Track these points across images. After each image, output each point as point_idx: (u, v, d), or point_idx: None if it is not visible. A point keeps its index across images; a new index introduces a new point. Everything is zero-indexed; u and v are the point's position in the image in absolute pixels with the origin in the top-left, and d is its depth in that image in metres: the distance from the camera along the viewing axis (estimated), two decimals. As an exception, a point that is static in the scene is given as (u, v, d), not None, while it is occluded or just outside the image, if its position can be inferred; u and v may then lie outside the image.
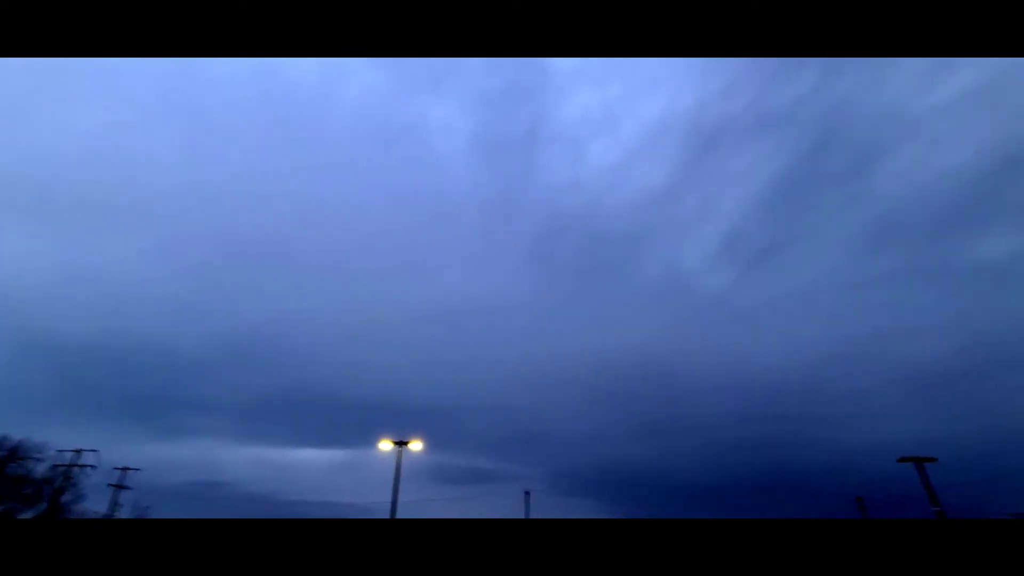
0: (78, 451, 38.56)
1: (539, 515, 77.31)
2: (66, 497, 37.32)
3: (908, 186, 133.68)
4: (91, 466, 38.68)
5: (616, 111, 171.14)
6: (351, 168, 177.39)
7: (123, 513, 38.71)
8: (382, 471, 29.98)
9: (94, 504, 38.16)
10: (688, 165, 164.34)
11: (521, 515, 43.37)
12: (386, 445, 28.83)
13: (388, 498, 27.29)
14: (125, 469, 40.35)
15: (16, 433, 36.25)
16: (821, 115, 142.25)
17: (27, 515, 35.18)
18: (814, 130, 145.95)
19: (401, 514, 26.37)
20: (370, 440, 29.85)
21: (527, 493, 47.10)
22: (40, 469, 36.79)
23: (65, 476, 37.47)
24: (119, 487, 39.57)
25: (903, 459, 27.66)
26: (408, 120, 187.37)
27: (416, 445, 28.95)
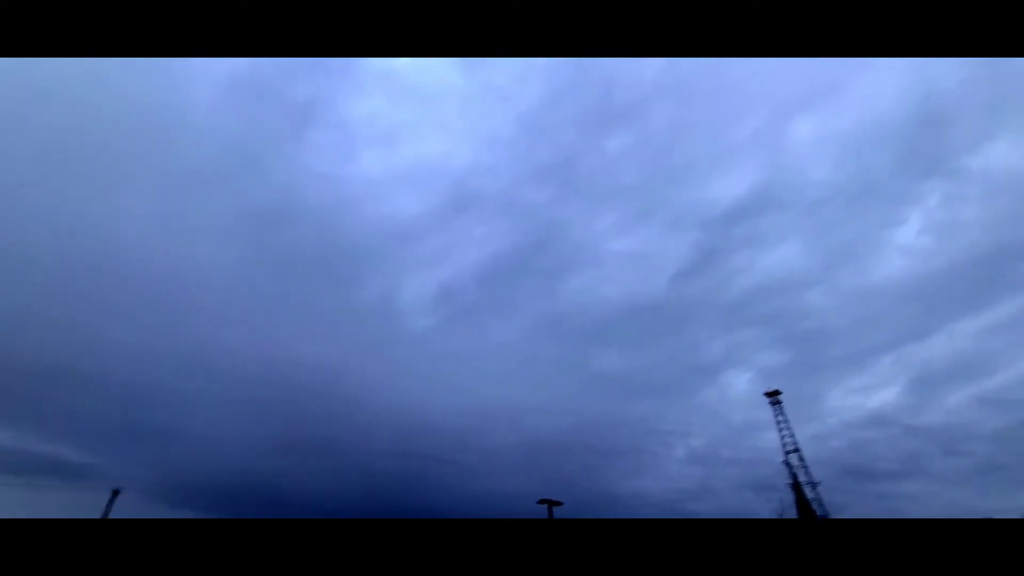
0: None
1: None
2: None
3: (578, 300, 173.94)
4: None
5: (401, 132, 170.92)
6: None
7: None
8: None
9: None
10: (439, 212, 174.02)
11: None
12: None
13: None
14: None
15: None
16: (548, 224, 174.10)
17: None
18: (538, 232, 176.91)
19: None
20: None
21: (115, 492, 35.88)
22: None
23: None
24: None
25: (541, 501, 31.68)
26: None
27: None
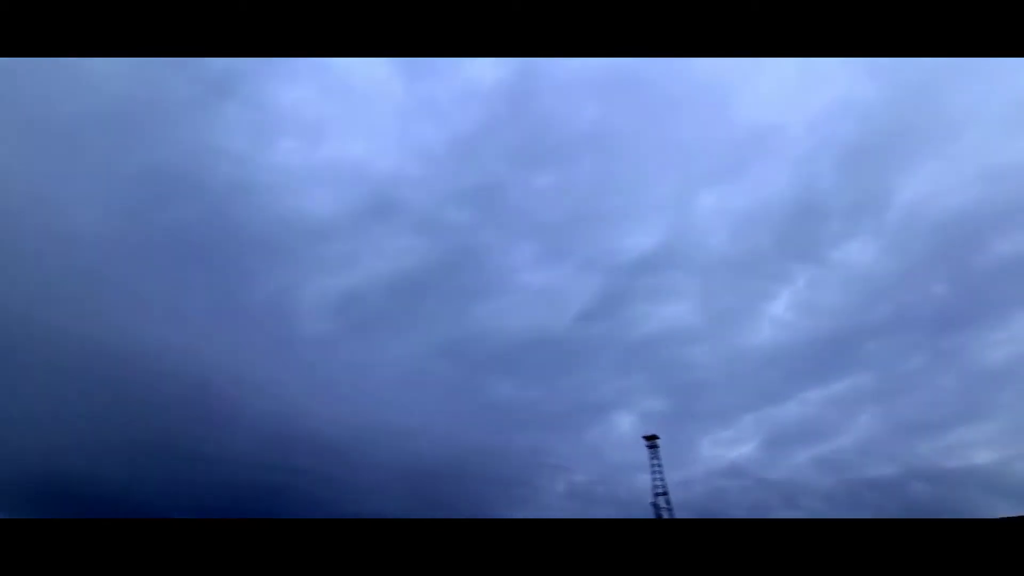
0: None
1: None
2: None
3: (482, 327, 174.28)
4: None
5: (327, 127, 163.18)
6: None
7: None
8: None
9: None
10: (354, 217, 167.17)
11: None
12: None
13: None
14: None
15: None
16: (464, 247, 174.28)
17: None
18: (453, 254, 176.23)
19: None
20: None
21: None
22: None
23: None
24: None
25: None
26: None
27: None
